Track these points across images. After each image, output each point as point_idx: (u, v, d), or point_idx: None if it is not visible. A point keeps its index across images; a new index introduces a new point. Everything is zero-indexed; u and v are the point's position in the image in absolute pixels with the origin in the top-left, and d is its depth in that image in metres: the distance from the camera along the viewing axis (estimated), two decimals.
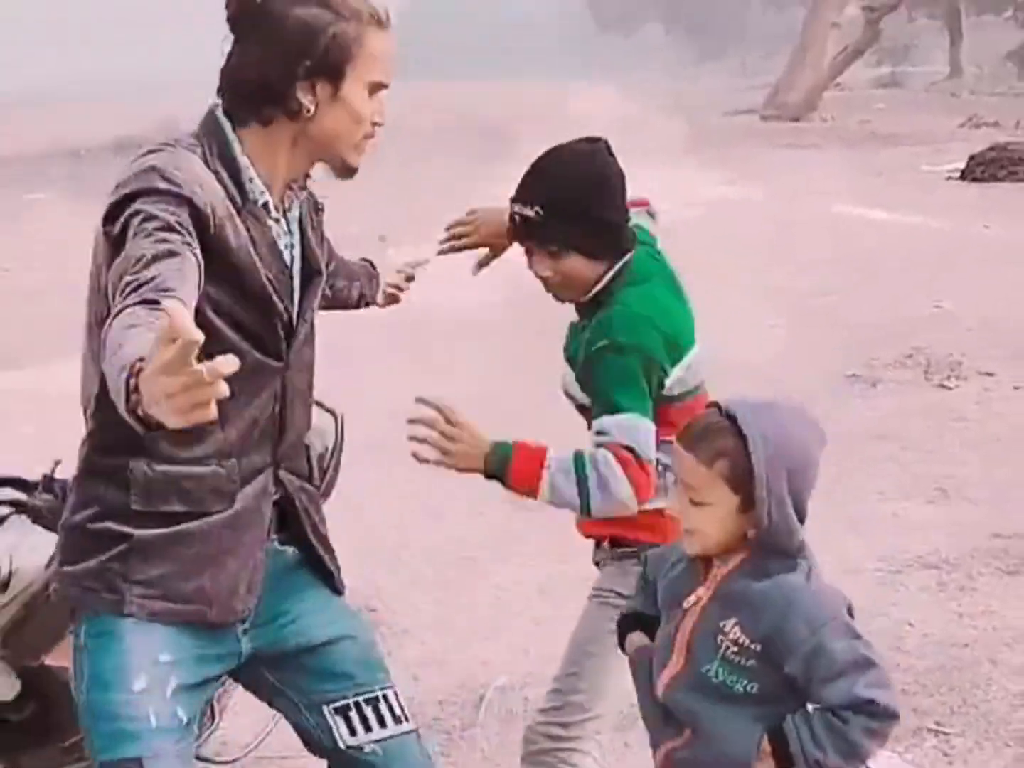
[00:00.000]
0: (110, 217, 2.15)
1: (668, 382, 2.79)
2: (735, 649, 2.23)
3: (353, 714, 2.52)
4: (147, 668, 2.30)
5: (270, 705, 2.60)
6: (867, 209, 14.42)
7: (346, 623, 2.60)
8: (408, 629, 4.87)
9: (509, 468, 2.71)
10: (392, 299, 3.30)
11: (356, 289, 3.09)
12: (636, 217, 2.95)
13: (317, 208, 2.55)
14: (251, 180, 2.30)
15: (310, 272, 2.47)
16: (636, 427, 2.68)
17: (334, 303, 2.95)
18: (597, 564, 3.03)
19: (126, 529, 2.29)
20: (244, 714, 3.40)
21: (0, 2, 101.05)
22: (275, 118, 2.30)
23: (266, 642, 2.48)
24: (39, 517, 2.81)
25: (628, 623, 2.53)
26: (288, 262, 2.39)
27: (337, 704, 2.51)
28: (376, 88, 2.36)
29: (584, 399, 2.87)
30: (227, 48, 2.34)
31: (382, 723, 2.53)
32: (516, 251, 3.13)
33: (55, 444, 2.91)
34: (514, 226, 2.82)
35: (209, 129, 2.31)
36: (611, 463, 2.66)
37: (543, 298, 2.97)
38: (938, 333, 8.87)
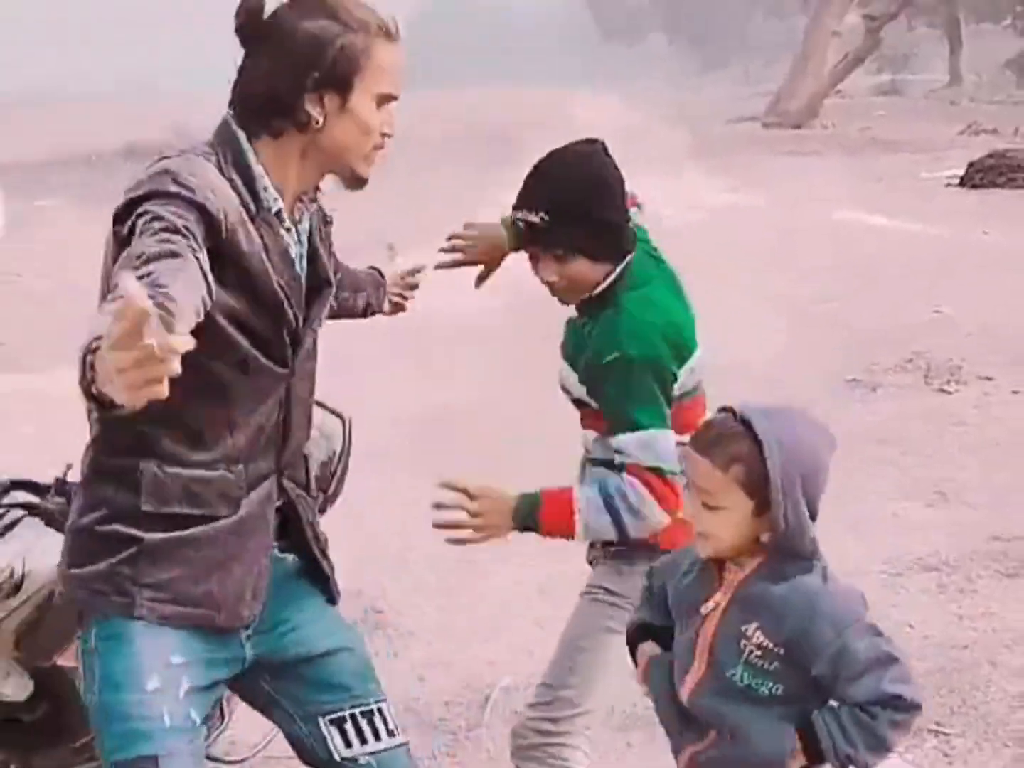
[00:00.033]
0: (120, 218, 2.15)
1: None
2: (759, 653, 2.25)
3: (348, 726, 2.51)
4: (159, 669, 2.30)
5: (264, 714, 2.60)
6: (867, 215, 14.41)
7: (343, 635, 2.60)
8: (413, 631, 4.87)
9: (540, 520, 2.77)
10: (398, 307, 3.30)
11: (362, 299, 3.10)
12: (634, 216, 2.96)
13: (326, 221, 2.55)
14: (265, 188, 2.30)
15: (319, 283, 2.47)
16: (656, 441, 2.72)
17: (339, 313, 2.95)
18: (590, 563, 3.05)
19: (135, 532, 2.29)
20: (252, 714, 3.40)
21: (0, 2, 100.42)
22: (285, 130, 2.31)
23: (267, 649, 2.48)
24: (51, 520, 2.82)
25: (638, 634, 2.53)
26: (298, 270, 2.40)
27: (333, 716, 2.51)
28: (385, 100, 2.36)
29: (581, 395, 2.89)
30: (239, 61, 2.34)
31: (376, 736, 2.53)
32: (512, 257, 3.14)
33: (61, 447, 2.92)
34: (519, 233, 2.82)
35: (224, 138, 2.31)
36: (638, 489, 2.71)
37: (543, 303, 2.98)
38: (938, 338, 8.86)
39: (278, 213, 2.33)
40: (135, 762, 2.27)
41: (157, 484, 2.29)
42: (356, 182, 2.41)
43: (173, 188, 2.14)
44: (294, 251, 2.39)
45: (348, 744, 2.50)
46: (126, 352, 1.60)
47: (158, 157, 2.26)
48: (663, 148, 21.60)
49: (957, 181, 17.87)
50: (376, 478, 5.84)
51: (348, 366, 6.35)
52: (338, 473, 3.51)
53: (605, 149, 2.84)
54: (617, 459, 2.76)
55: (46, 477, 3.00)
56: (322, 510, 3.49)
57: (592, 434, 2.94)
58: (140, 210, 2.12)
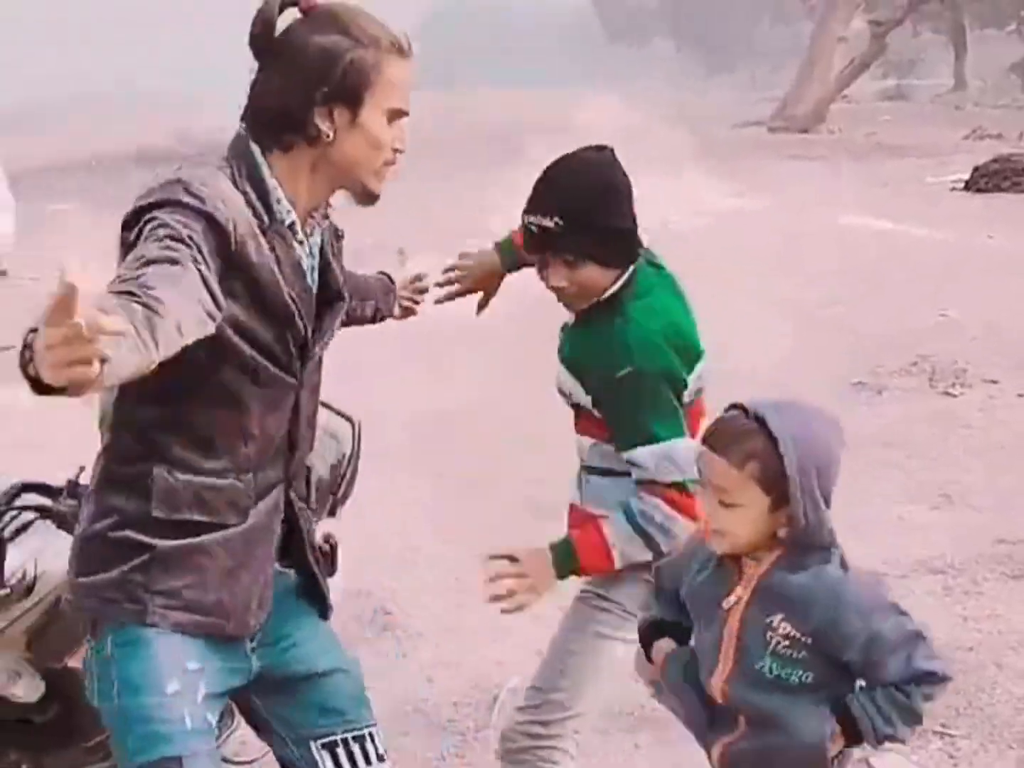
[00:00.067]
0: (129, 224, 2.15)
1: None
2: (786, 643, 2.27)
3: (340, 751, 2.50)
4: (178, 674, 2.30)
5: (256, 731, 2.58)
6: (873, 219, 14.38)
7: (338, 654, 2.60)
8: (422, 632, 4.87)
9: (577, 564, 2.81)
10: (408, 311, 3.30)
11: (370, 307, 3.09)
12: None
13: (338, 236, 2.54)
14: (278, 201, 2.30)
15: (331, 295, 2.47)
16: (676, 452, 2.73)
17: (348, 321, 2.94)
18: None
19: (147, 539, 2.28)
20: None
21: (0, 2, 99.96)
22: (295, 144, 2.30)
23: (271, 663, 2.48)
24: (63, 522, 2.82)
25: (652, 631, 2.54)
26: (309, 282, 2.39)
27: (325, 740, 2.50)
28: (396, 115, 2.35)
29: (580, 400, 2.88)
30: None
31: (367, 761, 2.52)
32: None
33: (74, 450, 2.91)
34: (531, 237, 2.81)
35: (238, 151, 2.31)
36: (662, 509, 2.74)
37: (546, 307, 2.97)
38: (943, 342, 8.85)
39: (291, 225, 2.32)
40: (159, 763, 2.26)
41: (168, 490, 2.28)
42: (367, 197, 2.40)
43: (183, 197, 2.14)
44: (306, 264, 2.38)
45: None
46: (56, 328, 1.60)
47: (175, 167, 2.25)
48: (669, 152, 21.57)
49: (962, 185, 17.84)
50: (386, 479, 5.85)
51: (357, 370, 6.35)
52: (348, 476, 3.51)
53: (614, 156, 2.84)
54: (635, 474, 2.76)
55: (59, 480, 2.99)
56: (332, 512, 3.49)
57: (588, 440, 2.94)
58: (148, 217, 2.11)
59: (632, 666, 3.13)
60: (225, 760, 3.11)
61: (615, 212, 2.79)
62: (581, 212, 2.74)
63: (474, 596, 5.12)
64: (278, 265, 2.28)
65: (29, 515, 2.87)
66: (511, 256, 3.24)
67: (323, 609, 2.60)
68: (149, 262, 1.99)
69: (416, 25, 70.49)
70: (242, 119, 2.35)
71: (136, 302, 1.85)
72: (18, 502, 2.91)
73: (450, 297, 3.28)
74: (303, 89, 2.27)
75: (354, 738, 2.51)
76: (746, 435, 2.25)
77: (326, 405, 3.39)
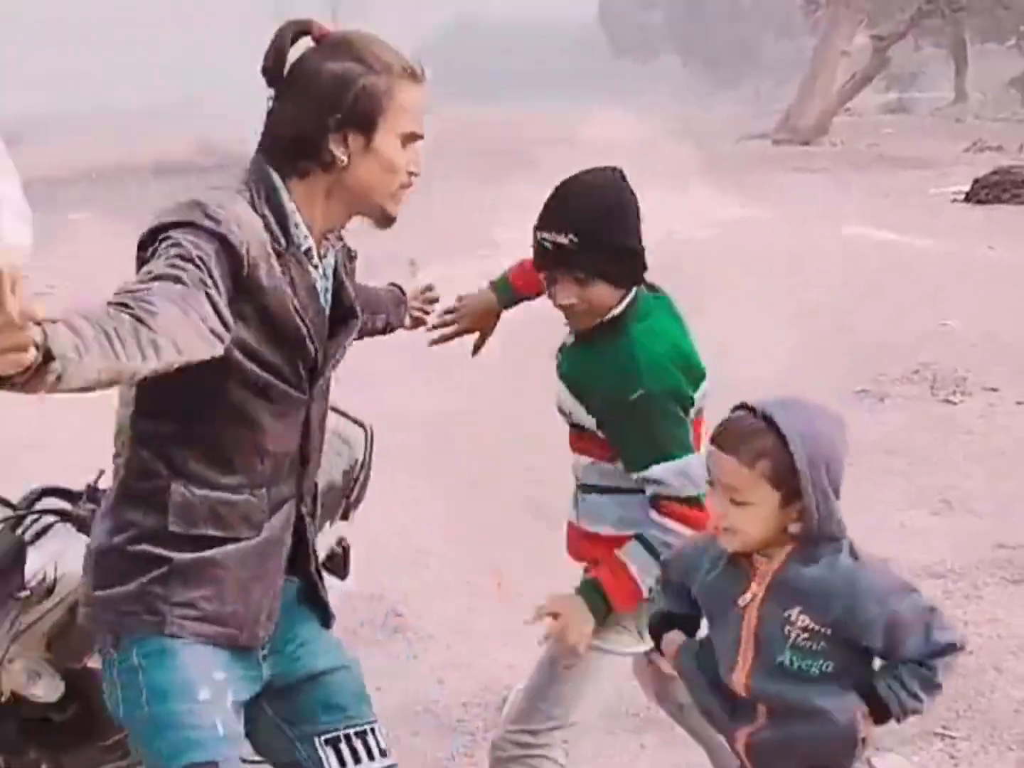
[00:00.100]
0: (145, 244, 2.16)
1: None
2: (805, 636, 2.28)
3: (343, 746, 2.51)
4: (207, 683, 2.31)
5: (254, 743, 2.55)
6: (875, 230, 14.37)
7: (339, 653, 2.60)
8: (433, 634, 4.88)
9: (610, 603, 2.79)
10: (418, 322, 3.30)
11: (381, 320, 3.09)
12: None
13: (351, 256, 2.55)
14: (296, 226, 2.30)
15: (344, 314, 2.47)
16: (690, 467, 2.73)
17: (360, 334, 2.95)
18: None
19: (165, 552, 2.29)
20: None
21: (0, 2, 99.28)
22: (311, 170, 2.31)
23: (280, 670, 2.49)
24: (83, 526, 2.82)
25: (662, 624, 2.55)
26: (323, 304, 2.40)
27: (328, 736, 2.50)
28: (410, 139, 2.35)
29: (582, 420, 2.87)
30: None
31: (370, 756, 2.52)
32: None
33: (93, 456, 2.93)
34: (544, 253, 2.78)
35: (258, 176, 2.31)
36: (677, 529, 2.72)
37: (552, 316, 2.97)
38: (944, 350, 8.84)
39: (307, 251, 2.33)
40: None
41: (185, 505, 2.29)
42: (385, 220, 2.40)
43: (198, 219, 2.14)
44: (320, 286, 2.38)
45: (343, 764, 2.49)
46: None
47: (205, 189, 2.26)
48: (675, 164, 21.60)
49: (963, 197, 17.82)
50: (404, 484, 5.87)
51: (369, 379, 6.36)
52: (360, 480, 3.52)
53: (623, 176, 2.83)
54: (651, 490, 2.76)
55: (78, 484, 3.00)
56: (345, 516, 3.51)
57: (585, 459, 2.93)
58: (163, 236, 2.12)
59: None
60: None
61: (627, 232, 2.79)
62: (595, 230, 2.73)
63: (484, 599, 5.15)
64: (293, 289, 2.28)
65: (49, 519, 2.87)
66: (507, 294, 3.25)
67: (325, 618, 2.61)
68: (154, 278, 2.01)
69: (424, 43, 70.50)
70: (259, 146, 2.35)
71: (126, 312, 1.86)
72: (39, 506, 2.92)
73: (446, 338, 3.28)
74: (317, 116, 2.27)
75: (356, 733, 2.52)
76: (755, 434, 2.26)
77: (339, 412, 3.41)
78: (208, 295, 2.05)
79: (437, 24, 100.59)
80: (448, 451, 6.92)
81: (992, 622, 4.73)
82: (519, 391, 7.02)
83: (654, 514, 2.76)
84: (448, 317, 3.26)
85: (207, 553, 2.31)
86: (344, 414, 3.49)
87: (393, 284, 3.24)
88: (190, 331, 1.97)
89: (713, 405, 2.94)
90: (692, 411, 2.81)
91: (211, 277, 2.08)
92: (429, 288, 3.34)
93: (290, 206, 2.30)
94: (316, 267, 2.37)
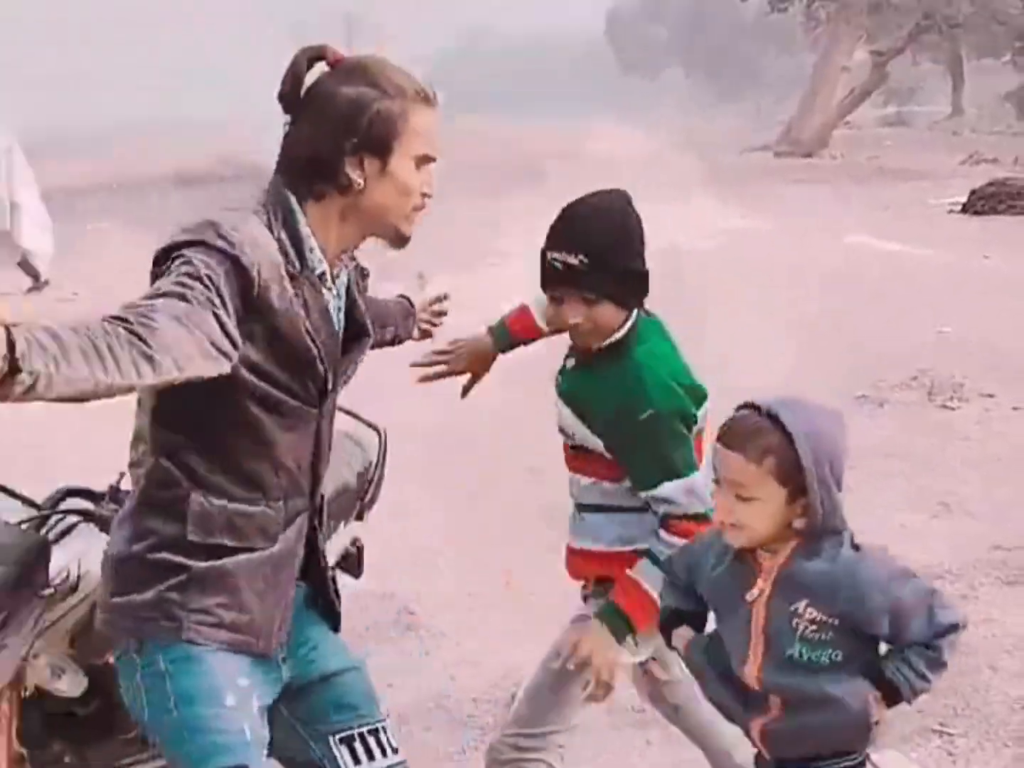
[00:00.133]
0: (159, 261, 2.16)
1: None
2: (813, 627, 2.29)
3: (357, 744, 2.51)
4: (233, 688, 2.31)
5: (271, 747, 2.53)
6: (875, 241, 14.35)
7: (348, 654, 2.61)
8: (445, 632, 4.88)
9: (633, 626, 2.78)
10: (426, 334, 3.29)
11: (389, 332, 3.08)
12: None
13: (363, 274, 2.55)
14: (311, 250, 2.30)
15: (356, 332, 2.47)
16: (697, 485, 2.73)
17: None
18: (585, 599, 3.04)
19: (184, 560, 2.29)
20: None
21: (0, 2, 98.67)
22: (327, 193, 2.30)
23: (298, 673, 2.49)
24: (105, 526, 2.83)
25: (671, 620, 2.56)
26: (336, 325, 2.40)
27: (342, 734, 2.51)
28: (424, 161, 2.35)
29: (584, 439, 2.86)
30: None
31: (384, 753, 2.53)
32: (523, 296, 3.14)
33: (114, 460, 2.94)
34: (553, 273, 2.77)
35: (276, 199, 2.31)
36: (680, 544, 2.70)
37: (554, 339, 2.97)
38: (941, 357, 8.82)
39: (321, 275, 2.32)
40: None
41: (203, 515, 2.29)
42: (400, 241, 2.40)
43: (213, 240, 2.14)
44: (333, 306, 2.38)
45: (357, 761, 2.50)
46: None
47: (222, 210, 2.26)
48: (678, 176, 21.57)
49: (959, 208, 17.79)
50: (417, 487, 5.88)
51: (378, 389, 6.38)
52: (374, 482, 3.53)
53: (629, 199, 2.83)
54: (661, 509, 2.75)
55: (100, 485, 3.01)
56: (359, 517, 3.52)
57: (584, 479, 2.92)
58: (176, 255, 2.12)
59: None
60: None
61: (633, 254, 2.78)
62: (604, 252, 2.72)
63: (493, 598, 5.16)
64: (306, 311, 2.28)
65: (73, 518, 2.89)
66: (505, 339, 3.25)
67: (333, 622, 2.61)
68: (160, 295, 2.01)
69: (434, 57, 70.51)
70: (277, 168, 2.35)
71: (124, 327, 1.87)
72: (62, 506, 2.94)
73: (439, 376, 3.27)
74: (333, 140, 2.27)
75: (369, 731, 2.52)
76: (761, 432, 2.27)
77: (353, 415, 3.42)
78: (215, 314, 2.05)
79: (447, 38, 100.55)
80: (454, 457, 6.93)
81: (988, 622, 4.72)
82: (520, 395, 7.02)
83: (663, 533, 2.75)
84: (440, 357, 3.25)
85: (223, 562, 2.31)
86: (358, 417, 3.50)
87: (402, 296, 3.24)
88: (192, 348, 1.97)
89: (716, 411, 2.94)
90: (695, 429, 2.81)
91: (220, 296, 2.08)
92: (439, 300, 3.33)
93: (305, 230, 2.30)
94: (330, 289, 2.37)
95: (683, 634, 2.53)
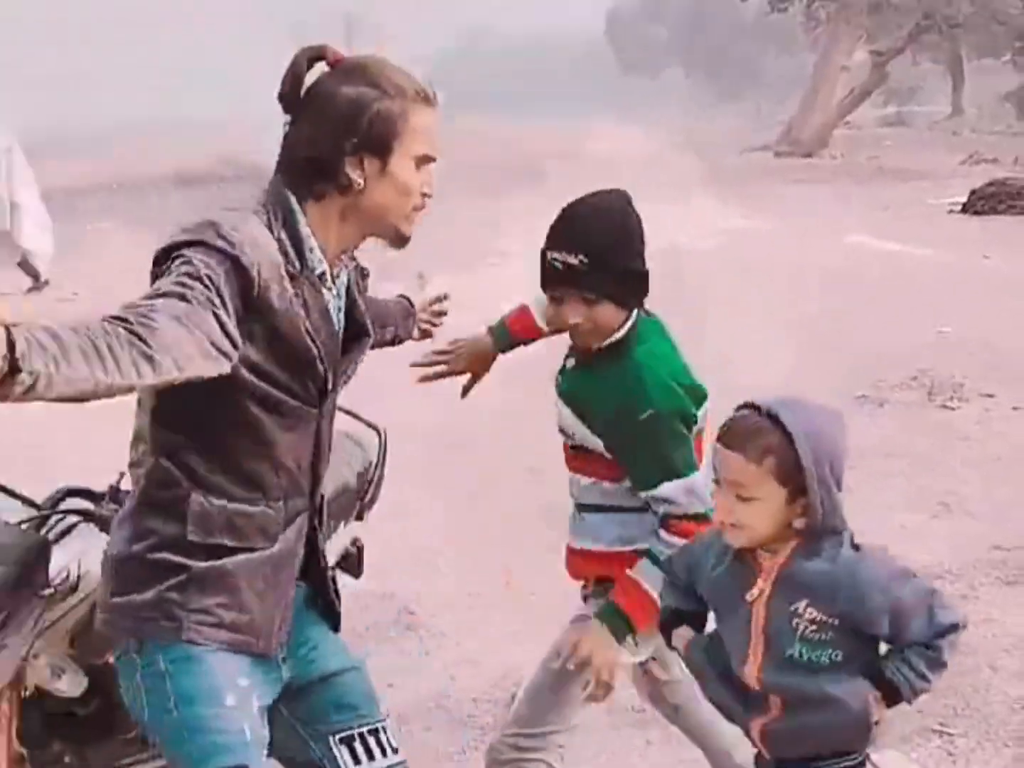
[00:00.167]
0: (159, 261, 2.16)
1: None
2: (813, 627, 2.28)
3: (357, 744, 2.51)
4: (233, 688, 2.31)
5: (270, 747, 2.53)
6: (875, 240, 14.36)
7: (348, 654, 2.60)
8: (445, 632, 4.88)
9: (633, 626, 2.77)
10: (426, 334, 3.29)
11: (389, 332, 3.08)
12: None
13: (363, 274, 2.55)
14: (311, 250, 2.30)
15: (356, 332, 2.47)
16: (697, 485, 2.73)
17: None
18: (585, 599, 3.04)
19: (184, 560, 2.28)
20: None
21: (0, 2, 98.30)
22: (327, 193, 2.30)
23: (297, 673, 2.49)
24: (105, 526, 2.83)
25: (671, 620, 2.56)
26: (336, 325, 2.39)
27: (342, 734, 2.50)
28: (424, 161, 2.35)
29: (584, 439, 2.85)
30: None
31: (383, 753, 2.52)
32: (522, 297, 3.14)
33: (117, 459, 2.93)
34: (554, 273, 2.76)
35: (276, 199, 2.30)
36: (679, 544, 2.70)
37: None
38: (941, 357, 8.83)
39: (321, 275, 2.32)
40: None
41: (203, 515, 2.28)
42: (399, 241, 2.40)
43: (213, 240, 2.14)
44: (333, 306, 2.38)
45: (357, 761, 2.49)
46: None
47: (222, 210, 2.26)
48: (678, 176, 21.57)
49: (959, 208, 17.80)
50: (416, 488, 5.88)
51: (379, 391, 6.39)
52: (374, 481, 3.53)
53: (629, 199, 2.82)
54: (662, 509, 2.75)
55: (100, 485, 3.01)
56: (359, 517, 3.52)
57: (584, 479, 2.92)
58: (176, 255, 2.12)
59: None
60: None
61: (633, 254, 2.78)
62: (606, 252, 2.72)
63: (493, 598, 5.15)
64: (306, 311, 2.27)
65: (73, 518, 2.88)
66: (505, 339, 3.24)
67: (333, 622, 2.61)
68: (160, 295, 2.00)
69: (435, 56, 70.46)
70: (277, 168, 2.34)
71: (123, 327, 1.86)
72: (62, 506, 2.93)
73: (439, 376, 3.27)
74: (333, 140, 2.27)
75: (369, 731, 2.52)
76: (761, 432, 2.27)
77: (353, 415, 3.41)
78: (215, 314, 2.04)
79: (447, 38, 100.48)
80: (454, 457, 6.93)
81: (988, 622, 4.72)
82: (520, 395, 7.02)
83: (663, 533, 2.75)
84: (440, 357, 3.25)
85: (223, 562, 2.31)
86: (358, 417, 3.50)
87: (402, 296, 3.23)
88: (192, 348, 1.97)
89: (716, 411, 2.94)
90: (695, 429, 2.81)
91: (219, 296, 2.07)
92: (439, 300, 3.33)
93: (305, 230, 2.29)
94: (330, 289, 2.36)
95: (683, 634, 2.53)
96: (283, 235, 2.26)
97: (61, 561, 2.73)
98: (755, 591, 2.34)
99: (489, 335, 3.25)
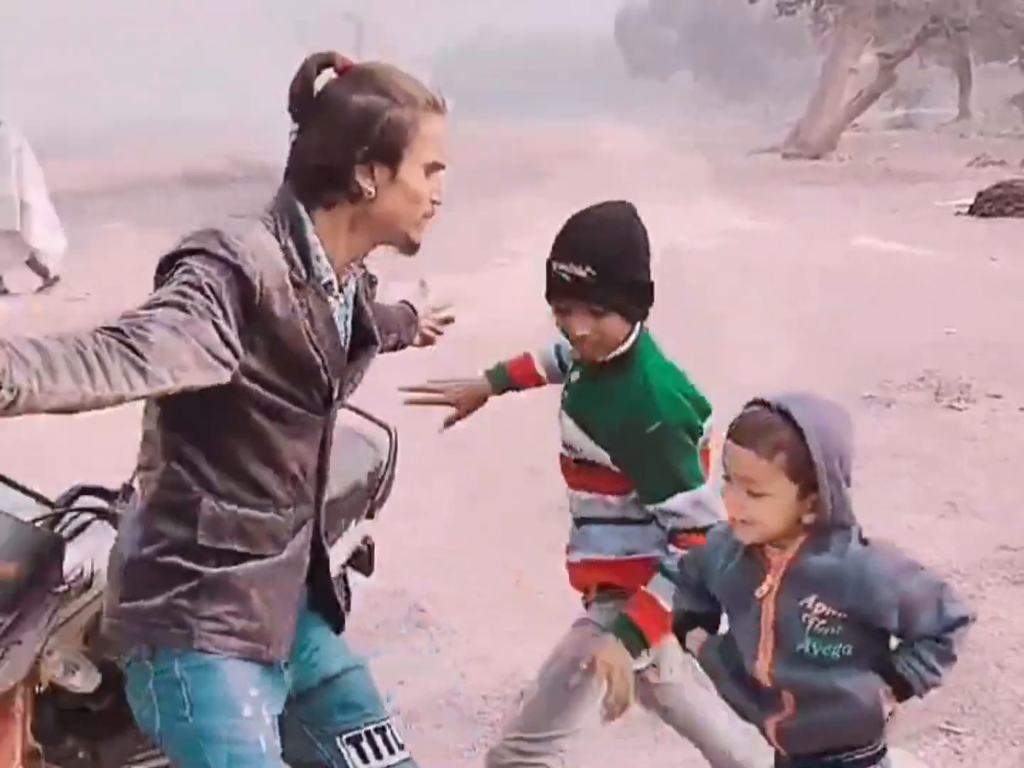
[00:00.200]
0: (163, 268, 2.15)
1: None
2: (822, 622, 2.29)
3: (364, 743, 2.51)
4: (248, 699, 2.30)
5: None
6: (883, 242, 14.35)
7: (350, 654, 2.61)
8: (456, 630, 4.88)
9: (648, 639, 2.76)
10: (428, 340, 3.29)
11: (392, 338, 3.06)
12: None
13: (372, 282, 2.55)
14: (318, 259, 2.28)
15: (364, 339, 2.46)
16: (704, 497, 2.72)
17: None
18: (586, 606, 3.03)
19: (195, 566, 2.27)
20: None
21: (0, 2, 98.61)
22: (337, 201, 2.29)
23: (300, 676, 2.49)
24: (119, 523, 2.84)
25: (685, 622, 2.56)
26: (341, 333, 2.38)
27: (349, 734, 2.51)
28: (433, 168, 2.34)
29: (590, 453, 2.84)
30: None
31: (391, 751, 2.53)
32: (524, 309, 3.13)
33: (127, 459, 2.94)
34: (561, 285, 2.74)
35: (284, 207, 2.29)
36: None
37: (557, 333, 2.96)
38: (948, 358, 8.81)
39: (328, 284, 2.31)
40: None
41: (214, 520, 2.28)
42: (410, 248, 2.39)
43: (216, 249, 2.12)
44: (339, 315, 2.37)
45: (364, 760, 2.50)
46: None
47: (228, 217, 2.25)
48: (686, 177, 21.58)
49: (966, 210, 17.78)
50: (426, 487, 5.88)
51: (384, 394, 6.42)
52: (385, 480, 3.54)
53: (634, 211, 2.81)
54: (669, 523, 2.74)
55: (114, 484, 3.02)
56: (370, 515, 3.53)
57: (585, 495, 2.91)
58: (179, 263, 2.11)
59: None
60: None
61: (640, 266, 2.77)
62: (614, 264, 2.70)
63: (503, 596, 5.16)
64: (311, 320, 2.26)
65: (87, 516, 2.89)
66: (503, 382, 3.27)
67: (337, 624, 2.61)
68: (159, 304, 2.00)
69: (442, 57, 70.43)
70: (286, 175, 2.33)
71: (116, 338, 1.86)
72: (76, 504, 2.94)
73: (428, 402, 3.29)
74: (344, 148, 2.25)
75: (375, 730, 2.53)
76: (772, 428, 2.27)
77: (364, 414, 3.42)
78: (215, 323, 2.03)
79: (447, 38, 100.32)
80: (453, 457, 6.93)
81: (995, 621, 4.71)
82: (520, 395, 7.03)
83: (672, 547, 2.74)
84: (434, 386, 3.28)
85: (232, 568, 2.30)
86: (370, 417, 3.51)
87: (404, 302, 3.23)
88: (187, 358, 1.96)
89: (726, 412, 2.94)
90: (700, 441, 2.81)
91: (220, 306, 2.06)
92: (442, 309, 3.32)
93: (313, 238, 2.28)
94: (336, 298, 2.35)
95: (697, 636, 2.53)
96: (290, 243, 2.25)
97: (75, 558, 2.74)
98: (764, 587, 2.35)
99: (487, 379, 3.27)
